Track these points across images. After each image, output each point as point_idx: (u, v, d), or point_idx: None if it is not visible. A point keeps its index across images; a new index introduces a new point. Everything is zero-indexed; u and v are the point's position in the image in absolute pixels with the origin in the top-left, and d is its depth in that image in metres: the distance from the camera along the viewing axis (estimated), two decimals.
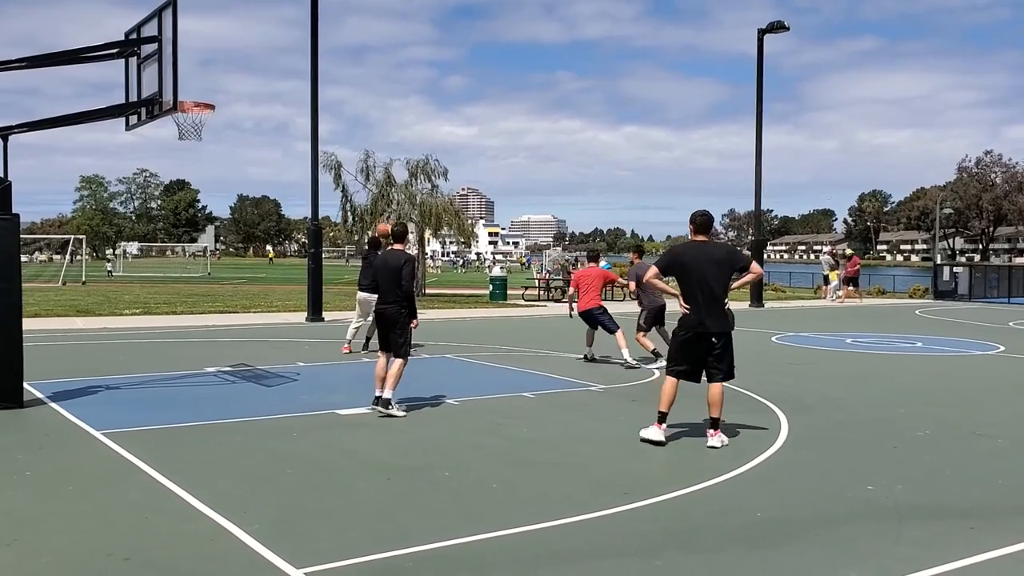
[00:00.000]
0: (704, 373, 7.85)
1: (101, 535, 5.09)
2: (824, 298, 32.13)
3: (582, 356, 13.44)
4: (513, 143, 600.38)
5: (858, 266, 32.43)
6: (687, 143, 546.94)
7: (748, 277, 7.97)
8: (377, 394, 8.92)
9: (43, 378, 10.64)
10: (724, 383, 7.79)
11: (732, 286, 7.99)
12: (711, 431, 7.72)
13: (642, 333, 12.94)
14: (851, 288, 31.32)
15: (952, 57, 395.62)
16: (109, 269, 52.81)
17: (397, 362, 8.93)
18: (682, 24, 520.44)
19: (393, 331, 9.01)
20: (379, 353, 9.23)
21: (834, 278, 32.18)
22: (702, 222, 7.98)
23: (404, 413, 8.87)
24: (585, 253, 12.43)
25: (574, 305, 13.54)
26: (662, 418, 7.76)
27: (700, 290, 7.70)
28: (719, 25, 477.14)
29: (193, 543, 4.96)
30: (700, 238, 7.96)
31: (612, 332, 12.91)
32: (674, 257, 8.15)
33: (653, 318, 12.98)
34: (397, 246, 9.28)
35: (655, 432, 7.71)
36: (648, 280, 8.28)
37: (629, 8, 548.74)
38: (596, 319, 13.16)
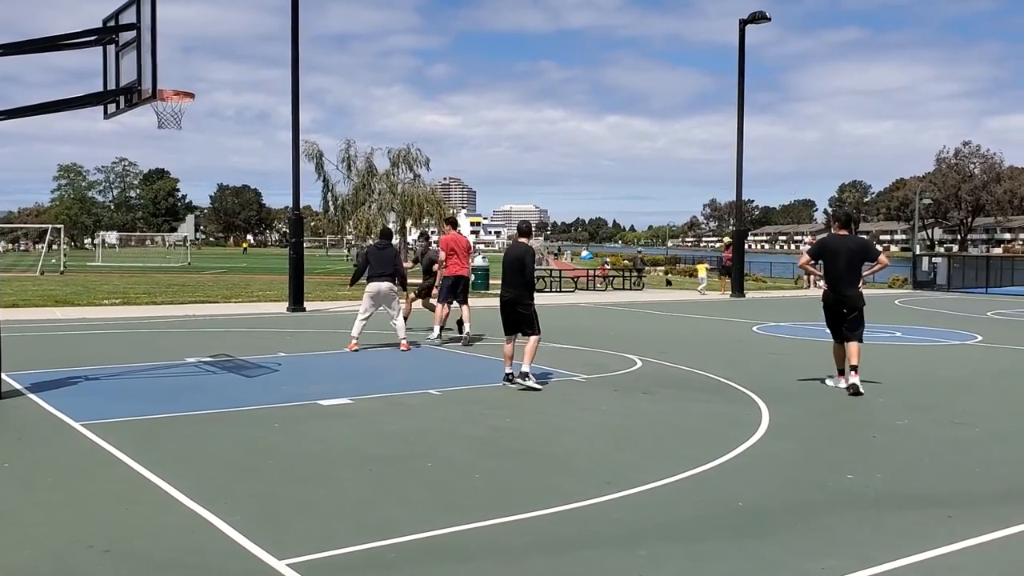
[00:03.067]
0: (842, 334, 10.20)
1: (81, 527, 5.05)
2: (805, 288, 32.26)
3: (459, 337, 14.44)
4: (496, 132, 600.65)
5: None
6: (670, 133, 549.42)
7: (877, 266, 10.29)
8: (507, 371, 10.09)
9: (21, 369, 10.54)
10: (856, 343, 9.99)
11: (864, 273, 10.35)
12: (851, 374, 9.84)
13: (431, 302, 14.86)
14: (727, 278, 29.54)
15: (934, 48, 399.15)
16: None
17: (533, 338, 10.07)
18: (666, 14, 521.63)
19: (519, 315, 10.10)
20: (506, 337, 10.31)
21: (702, 271, 30.76)
22: (845, 219, 10.72)
23: (540, 387, 9.92)
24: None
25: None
26: (841, 371, 10.23)
27: (836, 272, 10.12)
28: (703, 15, 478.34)
29: (174, 534, 4.93)
30: (843, 232, 10.38)
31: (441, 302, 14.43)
32: (823, 246, 10.50)
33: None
34: (522, 240, 10.40)
35: (835, 381, 10.27)
36: (802, 264, 11.30)
37: None
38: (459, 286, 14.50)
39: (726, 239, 33.86)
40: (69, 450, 6.91)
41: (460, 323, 14.60)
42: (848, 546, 4.87)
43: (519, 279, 10.12)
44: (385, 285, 13.26)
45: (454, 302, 14.52)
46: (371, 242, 15.69)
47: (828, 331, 10.46)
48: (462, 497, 5.76)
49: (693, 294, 29.18)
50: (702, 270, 31.06)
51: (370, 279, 13.32)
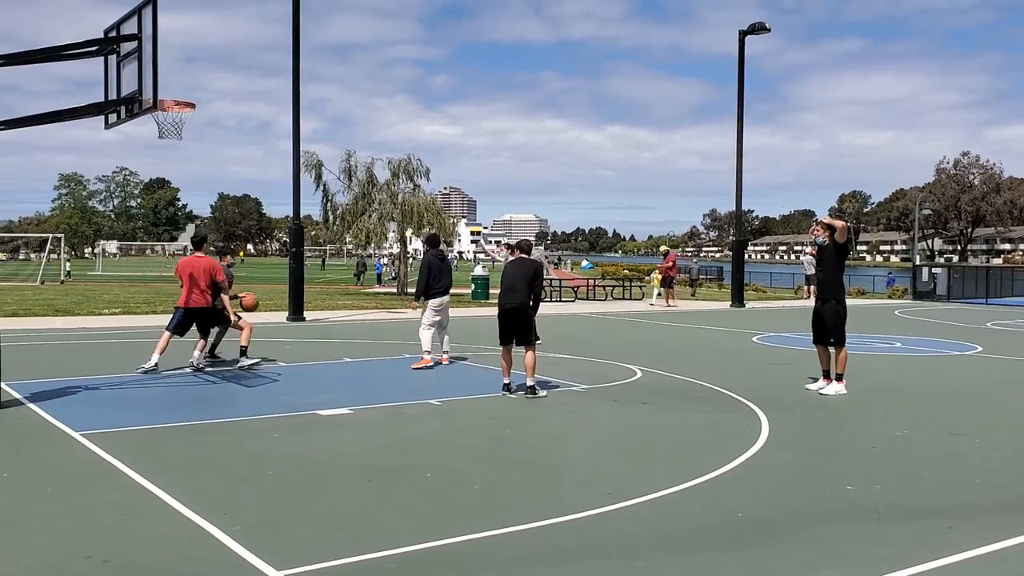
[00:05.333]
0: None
1: (80, 537, 5.05)
2: (805, 298, 32.17)
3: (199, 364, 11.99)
4: (497, 142, 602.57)
5: (673, 263, 28.29)
6: (671, 143, 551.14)
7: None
8: (505, 381, 10.35)
9: (21, 378, 10.54)
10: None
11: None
12: (831, 381, 10.65)
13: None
14: (666, 289, 27.87)
15: (934, 59, 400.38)
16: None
17: (531, 352, 10.31)
18: (667, 24, 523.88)
19: (523, 325, 10.27)
20: (502, 347, 10.48)
21: (656, 282, 28.86)
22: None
23: (545, 393, 10.27)
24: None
25: None
26: (827, 375, 10.73)
27: None
28: (704, 25, 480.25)
29: (173, 545, 4.93)
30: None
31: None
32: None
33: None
34: (523, 256, 10.67)
35: (830, 387, 10.59)
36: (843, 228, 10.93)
37: (615, 8, 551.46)
38: (218, 317, 12.09)
39: (663, 248, 30.48)
40: (68, 460, 6.91)
41: (213, 348, 12.74)
42: (847, 557, 4.86)
43: (528, 289, 10.29)
44: (447, 299, 12.90)
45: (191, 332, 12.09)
46: (423, 251, 13.68)
47: (844, 336, 10.75)
48: (461, 507, 5.76)
49: (693, 304, 29.17)
50: (656, 281, 29.48)
51: (435, 293, 12.64)
